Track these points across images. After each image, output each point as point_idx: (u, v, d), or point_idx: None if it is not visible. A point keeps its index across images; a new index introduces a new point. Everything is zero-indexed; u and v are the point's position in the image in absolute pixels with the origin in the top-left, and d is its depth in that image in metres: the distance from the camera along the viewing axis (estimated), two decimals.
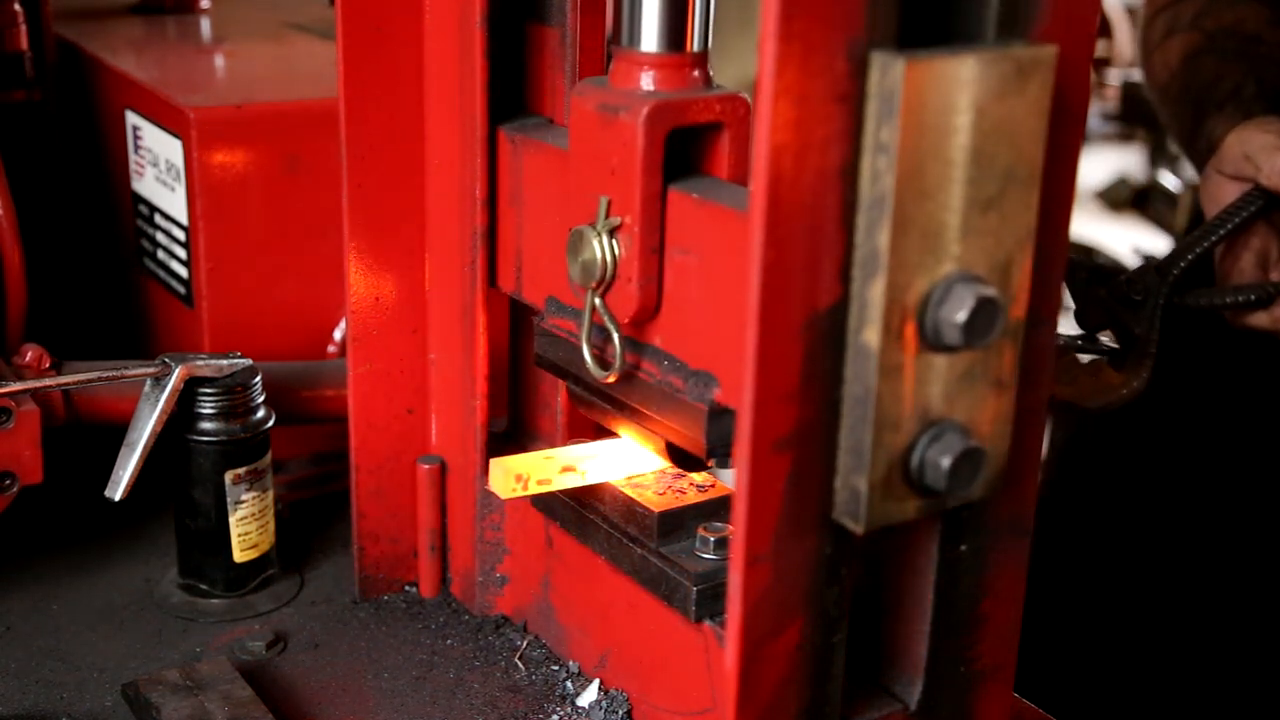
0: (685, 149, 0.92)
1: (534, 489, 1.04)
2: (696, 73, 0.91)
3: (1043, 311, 0.83)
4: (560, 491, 1.06)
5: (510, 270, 1.09)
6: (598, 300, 0.93)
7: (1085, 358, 1.22)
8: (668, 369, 0.92)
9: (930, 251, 0.73)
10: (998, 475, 0.80)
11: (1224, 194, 1.32)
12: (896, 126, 0.70)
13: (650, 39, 0.90)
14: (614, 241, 0.91)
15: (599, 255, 0.91)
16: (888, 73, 0.70)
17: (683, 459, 0.95)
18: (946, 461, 0.75)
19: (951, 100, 0.70)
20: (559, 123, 1.07)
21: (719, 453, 0.89)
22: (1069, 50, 0.76)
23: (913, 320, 0.73)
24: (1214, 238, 1.25)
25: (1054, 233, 0.81)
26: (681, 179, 0.91)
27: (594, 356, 0.95)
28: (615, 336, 0.93)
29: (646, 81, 0.90)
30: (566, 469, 1.04)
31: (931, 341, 0.74)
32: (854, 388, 0.76)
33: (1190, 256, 1.23)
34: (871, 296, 0.73)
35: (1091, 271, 1.23)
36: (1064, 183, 0.80)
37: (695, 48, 0.91)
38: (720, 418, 0.89)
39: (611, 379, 0.94)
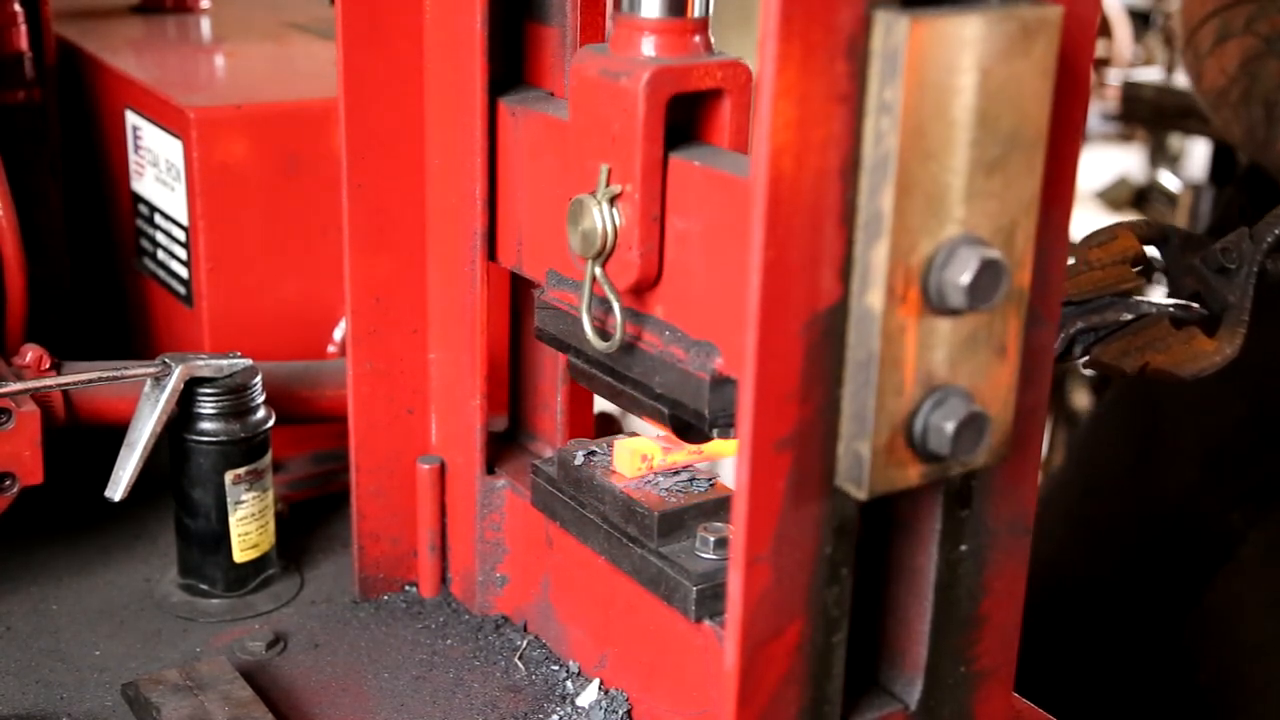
0: (685, 116, 0.91)
1: (659, 468, 1.04)
2: (698, 38, 0.90)
3: (1043, 311, 0.82)
4: (560, 491, 1.06)
5: (511, 245, 1.09)
6: (598, 270, 0.92)
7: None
8: (669, 339, 0.91)
9: (934, 214, 0.72)
10: (1002, 442, 0.79)
11: None
12: (900, 86, 0.69)
13: (652, 4, 0.89)
14: (614, 210, 0.90)
15: (599, 224, 0.90)
16: (892, 31, 0.69)
17: (685, 430, 0.94)
18: (950, 426, 0.74)
19: (956, 60, 0.70)
20: None
21: (721, 423, 0.88)
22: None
23: (916, 283, 0.73)
24: None
25: (1054, 229, 0.81)
26: (682, 146, 0.90)
27: (594, 328, 0.94)
28: (616, 306, 0.91)
29: (647, 47, 0.89)
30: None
31: (935, 304, 0.73)
32: (857, 352, 0.75)
33: None
34: (875, 259, 0.72)
35: (1184, 239, 1.23)
36: (1066, 164, 0.80)
37: (696, 13, 0.90)
38: (722, 387, 0.88)
39: (613, 350, 0.93)
